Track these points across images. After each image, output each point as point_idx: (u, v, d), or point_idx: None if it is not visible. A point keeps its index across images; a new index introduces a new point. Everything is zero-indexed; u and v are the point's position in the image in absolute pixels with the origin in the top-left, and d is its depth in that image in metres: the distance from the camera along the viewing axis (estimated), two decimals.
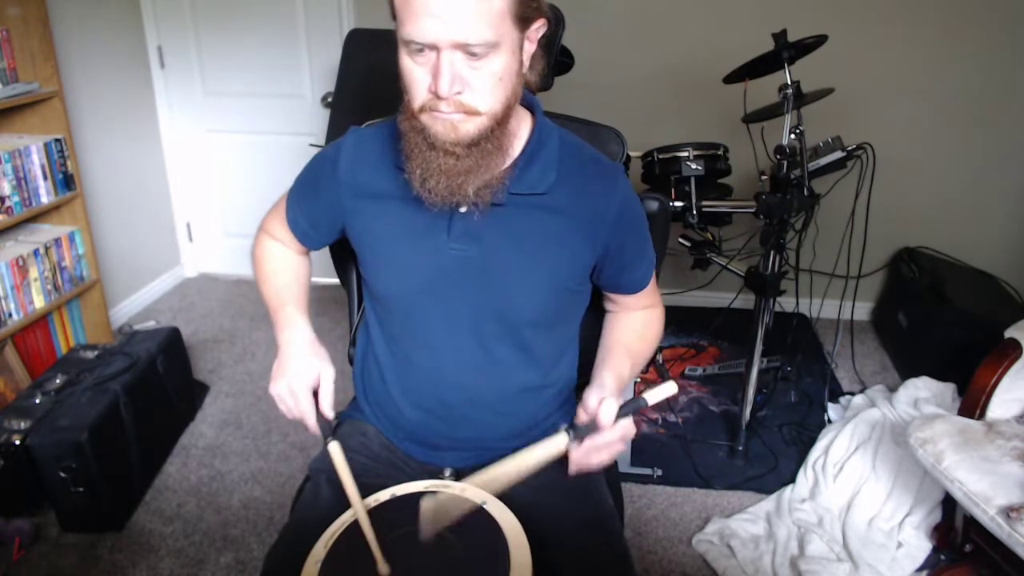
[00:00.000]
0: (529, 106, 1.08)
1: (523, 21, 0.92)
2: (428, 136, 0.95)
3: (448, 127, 0.94)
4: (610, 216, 1.07)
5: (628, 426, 0.96)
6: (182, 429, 2.39)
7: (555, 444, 0.95)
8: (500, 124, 0.96)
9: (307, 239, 1.22)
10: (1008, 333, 1.83)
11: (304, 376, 1.05)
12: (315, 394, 1.07)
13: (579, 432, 0.95)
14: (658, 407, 2.51)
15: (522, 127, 1.06)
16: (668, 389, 0.96)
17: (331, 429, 1.05)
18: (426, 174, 0.97)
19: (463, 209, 1.02)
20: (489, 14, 0.87)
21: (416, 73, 0.92)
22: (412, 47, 0.90)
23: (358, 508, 0.95)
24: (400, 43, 0.92)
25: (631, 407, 0.96)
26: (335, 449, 1.00)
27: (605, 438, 0.95)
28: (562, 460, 0.97)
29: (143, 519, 2.01)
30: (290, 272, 1.24)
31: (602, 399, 0.95)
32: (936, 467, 1.61)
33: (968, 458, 1.59)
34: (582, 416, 0.97)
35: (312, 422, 1.04)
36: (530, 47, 0.97)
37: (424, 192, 0.98)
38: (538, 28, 0.96)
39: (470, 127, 0.94)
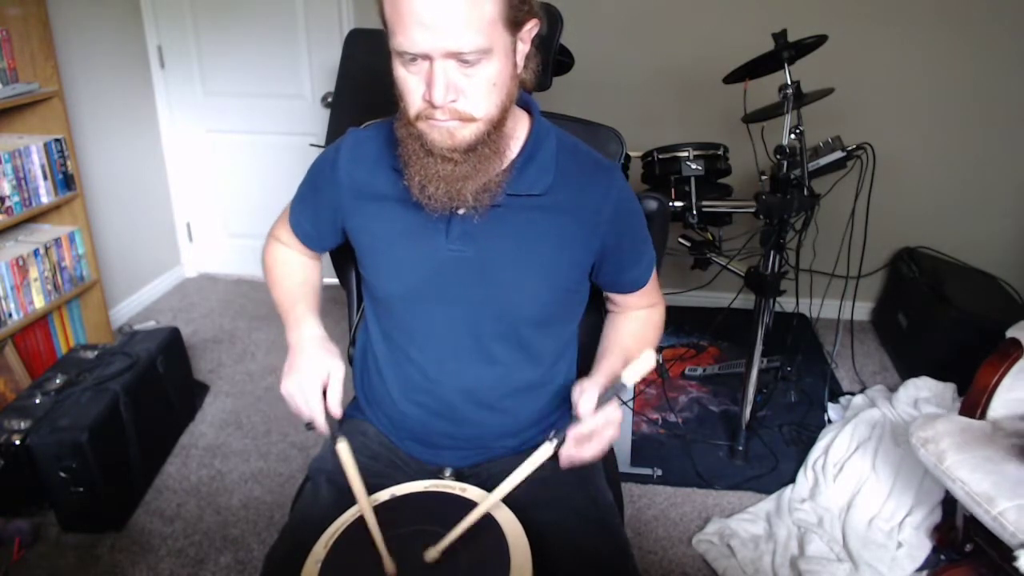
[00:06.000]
0: (526, 106, 1.08)
1: (515, 24, 0.92)
2: (425, 143, 0.96)
3: (445, 134, 0.94)
4: (606, 214, 1.07)
5: (613, 412, 0.97)
6: (182, 429, 2.39)
7: (541, 454, 0.95)
8: (496, 128, 0.96)
9: (310, 241, 1.22)
10: (1010, 333, 1.83)
11: (313, 373, 1.05)
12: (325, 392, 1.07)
13: (560, 433, 0.96)
14: (659, 407, 2.51)
15: (519, 128, 1.06)
16: (645, 363, 0.93)
17: (339, 427, 1.05)
18: (425, 180, 0.97)
19: (461, 211, 1.03)
20: (480, 21, 0.87)
21: (410, 82, 0.92)
22: (405, 57, 0.90)
23: (366, 509, 0.95)
24: (393, 53, 0.92)
25: (611, 392, 0.96)
26: (343, 449, 1.00)
27: (588, 426, 0.96)
28: (559, 471, 0.97)
29: (143, 519, 2.01)
30: (300, 274, 1.24)
31: (582, 391, 0.97)
32: (938, 467, 1.61)
33: (970, 458, 1.59)
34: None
35: (321, 420, 1.04)
36: (524, 48, 0.97)
37: (423, 198, 0.99)
38: (530, 29, 0.96)
39: (467, 133, 0.94)
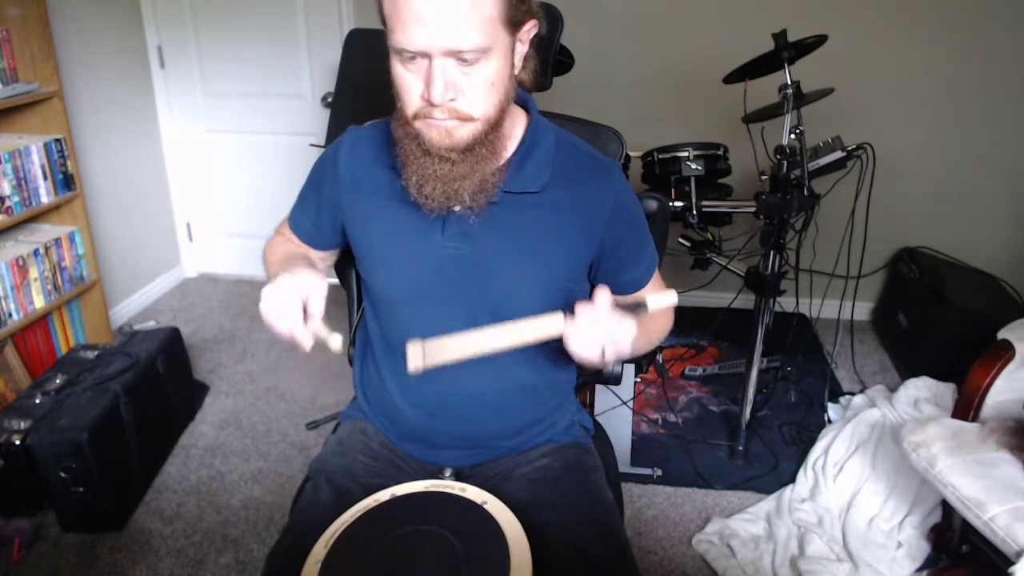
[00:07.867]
0: (523, 104, 1.08)
1: (514, 25, 0.92)
2: (423, 142, 0.95)
3: (442, 133, 0.94)
4: (605, 211, 1.07)
5: (628, 322, 0.92)
6: (182, 429, 2.39)
7: (550, 322, 0.93)
8: (494, 128, 0.96)
9: (311, 239, 1.21)
10: (1001, 334, 1.82)
11: (292, 288, 0.95)
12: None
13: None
14: (659, 407, 2.51)
15: (516, 127, 1.06)
16: (669, 299, 0.94)
17: (328, 332, 0.97)
18: (422, 180, 0.97)
19: (457, 209, 1.03)
20: (480, 20, 0.87)
21: (408, 80, 0.92)
22: (404, 55, 0.90)
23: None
24: (392, 51, 0.92)
25: (631, 306, 0.93)
26: (337, 339, 0.95)
27: (602, 314, 0.91)
28: (560, 471, 0.96)
29: (143, 519, 2.01)
30: (297, 252, 1.19)
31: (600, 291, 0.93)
32: (929, 471, 1.60)
33: (961, 462, 1.58)
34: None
35: (300, 332, 0.94)
36: (522, 48, 0.97)
37: (421, 198, 0.99)
38: (529, 29, 0.96)
39: (464, 133, 0.94)
